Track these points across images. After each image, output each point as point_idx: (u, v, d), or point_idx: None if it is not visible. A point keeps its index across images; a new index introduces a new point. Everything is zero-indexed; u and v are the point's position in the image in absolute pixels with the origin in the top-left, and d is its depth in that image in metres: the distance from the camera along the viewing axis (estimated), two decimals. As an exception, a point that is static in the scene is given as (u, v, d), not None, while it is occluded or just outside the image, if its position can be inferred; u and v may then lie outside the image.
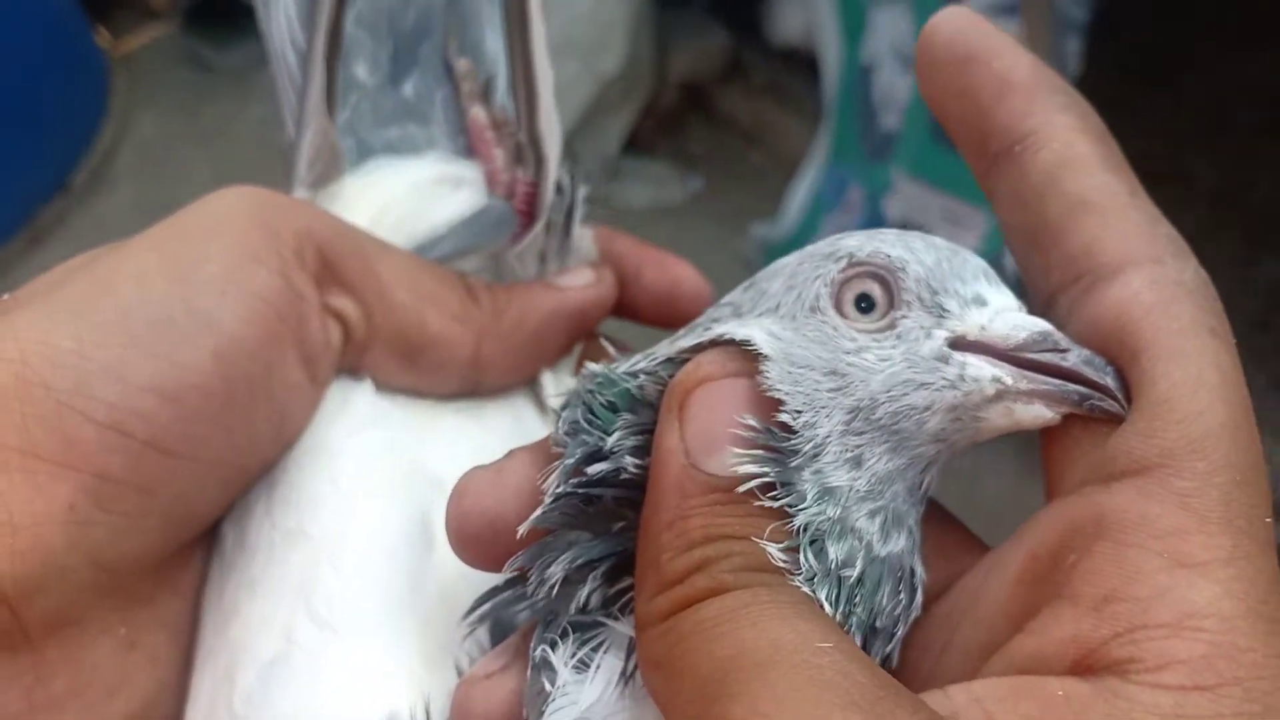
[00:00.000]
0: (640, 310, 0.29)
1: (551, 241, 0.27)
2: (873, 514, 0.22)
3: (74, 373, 0.17)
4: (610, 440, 0.21)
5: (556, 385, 0.25)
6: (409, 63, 0.27)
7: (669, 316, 0.29)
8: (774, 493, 0.20)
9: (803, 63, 1.88)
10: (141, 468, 0.18)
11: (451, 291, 0.24)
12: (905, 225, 1.50)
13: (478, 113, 0.27)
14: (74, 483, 0.17)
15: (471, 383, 0.24)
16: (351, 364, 0.22)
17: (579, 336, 0.27)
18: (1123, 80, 1.99)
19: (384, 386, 0.22)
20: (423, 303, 0.22)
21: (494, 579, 0.21)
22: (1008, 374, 0.22)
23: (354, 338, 0.21)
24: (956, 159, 1.24)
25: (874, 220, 1.53)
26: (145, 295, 0.18)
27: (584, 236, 0.29)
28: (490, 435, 0.23)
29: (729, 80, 2.00)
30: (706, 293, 0.30)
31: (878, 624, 0.21)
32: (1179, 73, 1.98)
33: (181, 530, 0.19)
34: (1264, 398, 1.47)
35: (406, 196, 0.26)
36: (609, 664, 0.20)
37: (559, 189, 0.27)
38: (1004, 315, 0.23)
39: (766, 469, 0.20)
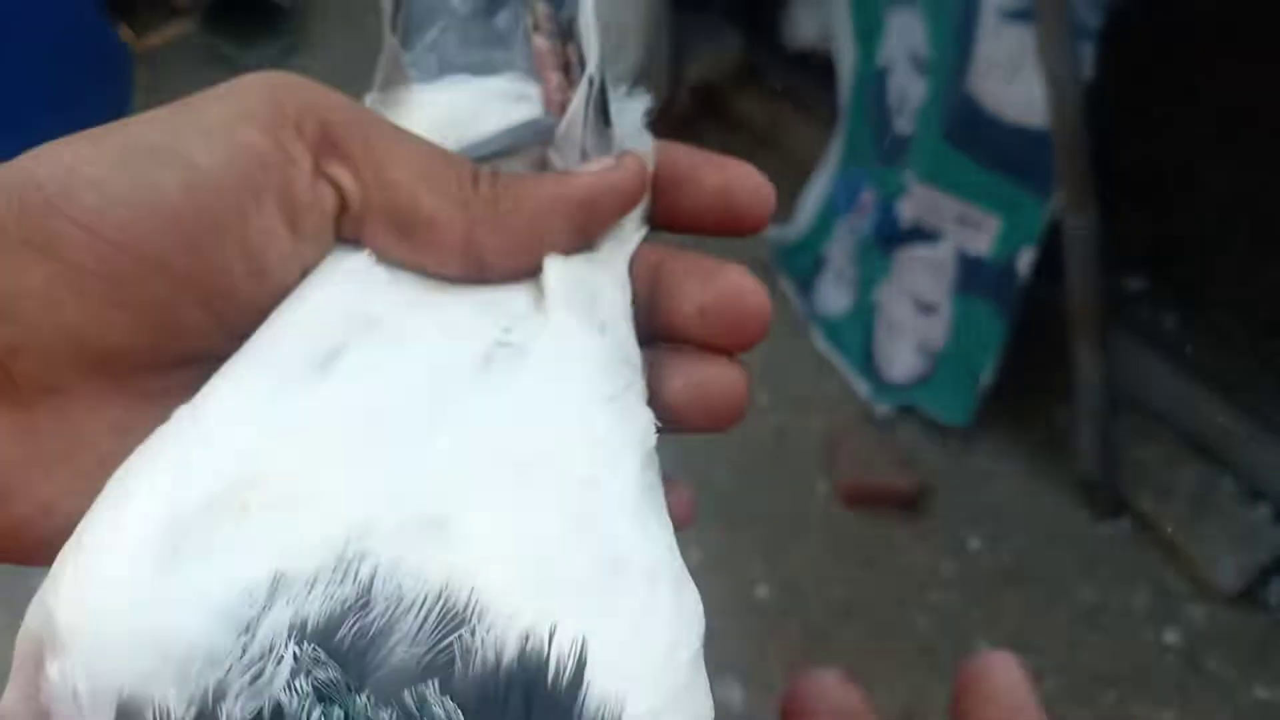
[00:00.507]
0: (700, 216, 0.28)
1: (589, 137, 0.26)
2: None
3: (64, 179, 0.20)
4: None
5: (560, 275, 0.24)
6: None
7: (725, 219, 0.27)
8: None
9: (818, 67, 1.89)
10: (109, 263, 0.20)
11: (452, 174, 0.24)
12: (918, 228, 1.51)
13: (539, 40, 0.28)
14: (49, 268, 0.20)
15: (473, 267, 0.24)
16: (352, 233, 0.23)
17: (593, 227, 0.25)
18: (1136, 86, 2.00)
19: (385, 260, 0.23)
20: (418, 181, 0.23)
21: None
22: None
23: (350, 207, 0.23)
24: (969, 163, 1.26)
25: (887, 224, 1.55)
26: (143, 133, 0.22)
27: (635, 137, 0.27)
28: (463, 310, 0.23)
29: (744, 84, 2.01)
30: (768, 192, 0.27)
31: None
32: (1192, 79, 1.99)
33: (164, 336, 0.21)
34: (1273, 400, 1.48)
35: (466, 106, 0.27)
36: None
37: (590, 82, 0.26)
38: None
39: None
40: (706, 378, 0.27)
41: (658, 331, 0.27)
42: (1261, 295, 1.69)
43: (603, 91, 0.26)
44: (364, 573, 0.17)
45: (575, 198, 0.24)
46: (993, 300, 1.46)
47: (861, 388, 1.63)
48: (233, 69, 2.25)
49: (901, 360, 1.60)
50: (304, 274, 0.23)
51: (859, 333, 1.65)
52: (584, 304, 0.24)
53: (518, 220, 0.24)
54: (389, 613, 0.17)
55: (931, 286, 1.54)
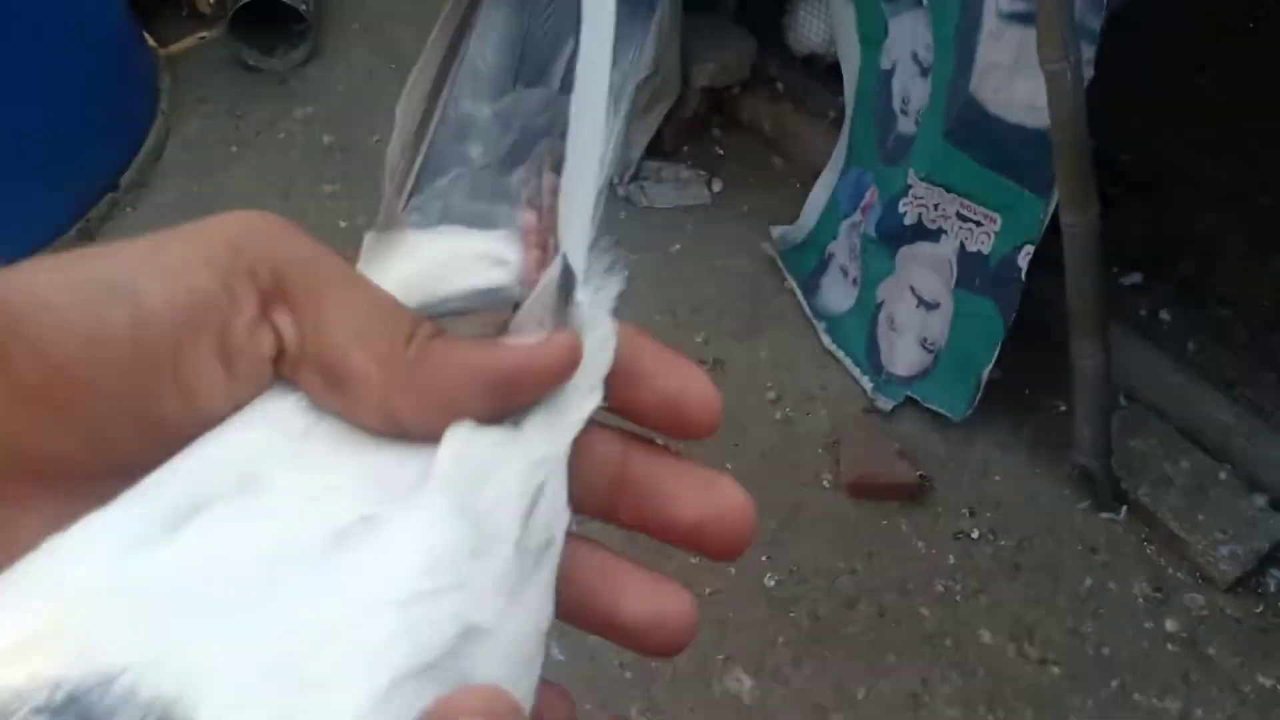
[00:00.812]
0: (645, 413, 0.27)
1: (548, 316, 0.26)
2: None
3: (27, 301, 0.22)
4: None
5: (455, 450, 0.24)
6: (524, 155, 0.28)
7: (672, 424, 0.27)
8: None
9: (823, 69, 1.93)
10: (51, 383, 0.22)
11: (387, 332, 0.24)
12: (920, 225, 1.54)
13: (528, 214, 0.28)
14: None
15: (391, 426, 0.24)
16: (289, 376, 0.24)
17: (511, 401, 0.25)
18: (1136, 84, 2.02)
19: (316, 405, 0.24)
20: (352, 337, 0.24)
21: None
22: None
23: (287, 352, 0.24)
24: (970, 162, 1.30)
25: (890, 222, 1.57)
26: (107, 268, 0.23)
27: (597, 321, 0.27)
28: (349, 475, 0.23)
29: (751, 86, 2.04)
30: (716, 405, 0.27)
31: None
32: (1192, 76, 2.01)
33: (100, 451, 0.23)
34: (1273, 395, 1.50)
35: (444, 261, 0.27)
36: None
37: (562, 264, 0.26)
38: None
39: None
40: (663, 608, 0.27)
41: (633, 524, 0.27)
42: (1261, 290, 1.71)
43: (568, 275, 0.26)
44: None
45: (495, 369, 0.25)
46: (993, 296, 1.48)
47: (865, 383, 1.66)
48: (254, 74, 2.29)
49: (904, 355, 1.62)
50: (236, 408, 0.24)
51: (862, 329, 1.68)
52: (467, 485, 0.23)
53: (434, 384, 0.24)
54: None
55: (933, 283, 1.56)
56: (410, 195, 0.28)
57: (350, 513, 0.22)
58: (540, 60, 0.29)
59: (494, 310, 0.26)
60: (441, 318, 0.25)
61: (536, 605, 0.23)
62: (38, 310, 0.22)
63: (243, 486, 0.22)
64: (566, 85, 0.29)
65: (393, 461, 0.24)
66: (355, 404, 0.24)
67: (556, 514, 0.25)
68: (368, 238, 0.28)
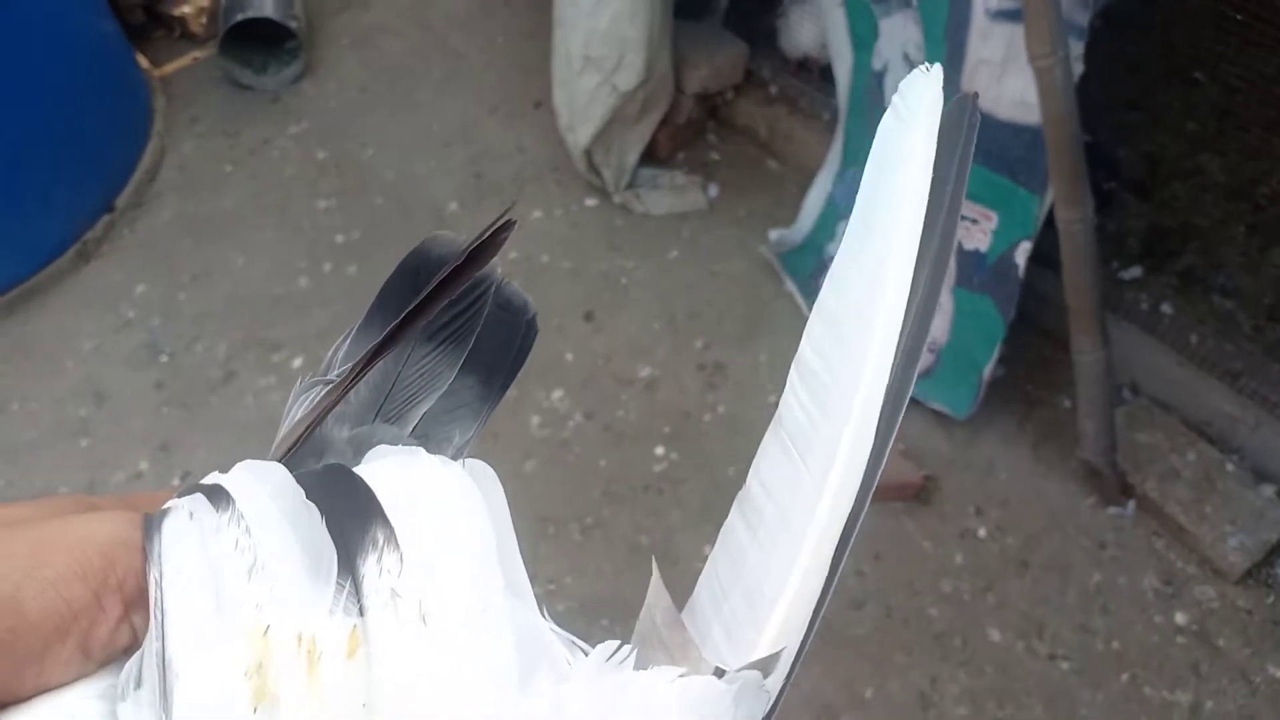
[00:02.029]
0: None
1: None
2: None
3: None
4: None
5: None
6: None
7: None
8: None
9: (816, 72, 1.93)
10: None
11: None
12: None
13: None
14: None
15: None
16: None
17: None
18: (1134, 79, 2.02)
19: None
20: None
21: None
22: None
23: (139, 643, 0.28)
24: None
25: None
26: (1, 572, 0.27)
27: None
28: None
29: (745, 91, 2.05)
30: None
31: None
32: (1190, 71, 2.01)
33: None
34: (1277, 386, 1.49)
35: None
36: None
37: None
38: None
39: None
40: None
41: None
42: (1262, 282, 1.71)
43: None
44: None
45: None
46: (992, 294, 1.48)
47: (868, 383, 1.65)
48: (246, 93, 2.29)
49: (905, 355, 1.62)
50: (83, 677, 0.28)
51: (863, 330, 1.67)
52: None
53: None
54: None
55: (932, 282, 1.55)
56: None
57: None
58: (403, 404, 0.33)
59: None
60: None
61: None
62: None
63: None
64: (418, 432, 0.33)
65: None
66: None
67: None
68: None
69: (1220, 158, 1.87)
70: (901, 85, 0.26)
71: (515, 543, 0.26)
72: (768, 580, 0.26)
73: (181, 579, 0.27)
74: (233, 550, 0.26)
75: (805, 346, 0.28)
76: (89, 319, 1.86)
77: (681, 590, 0.27)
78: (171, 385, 1.73)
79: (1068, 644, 1.39)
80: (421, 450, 0.29)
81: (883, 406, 0.26)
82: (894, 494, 1.53)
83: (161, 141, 2.17)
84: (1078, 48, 1.28)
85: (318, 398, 0.32)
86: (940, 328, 1.57)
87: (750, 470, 0.28)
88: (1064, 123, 1.24)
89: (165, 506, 0.29)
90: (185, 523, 0.27)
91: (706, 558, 0.27)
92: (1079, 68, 1.27)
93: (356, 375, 0.33)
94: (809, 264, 1.79)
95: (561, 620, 0.26)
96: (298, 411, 0.32)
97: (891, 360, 0.26)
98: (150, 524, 0.28)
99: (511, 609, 0.24)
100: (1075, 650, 1.39)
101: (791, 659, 0.25)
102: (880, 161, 0.26)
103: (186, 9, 2.39)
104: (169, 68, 2.35)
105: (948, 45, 1.41)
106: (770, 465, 0.28)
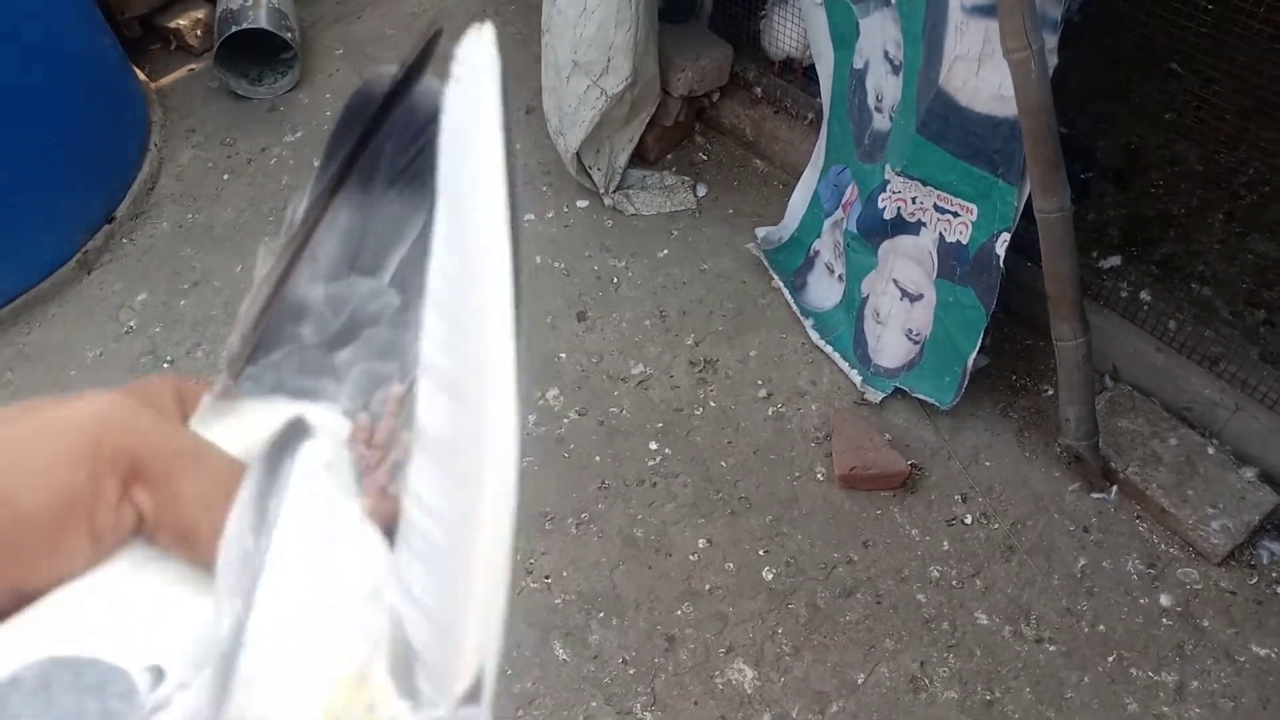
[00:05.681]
0: None
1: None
2: None
3: None
4: None
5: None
6: (350, 338, 0.33)
7: None
8: None
9: (799, 72, 1.96)
10: None
11: (225, 496, 0.28)
12: (900, 219, 1.56)
13: (364, 417, 0.31)
14: None
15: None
16: (149, 538, 0.29)
17: None
18: (1113, 70, 2.05)
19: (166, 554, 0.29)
20: (201, 509, 0.28)
21: None
22: None
23: (147, 523, 0.28)
24: (943, 155, 1.32)
25: (870, 218, 1.59)
26: None
27: None
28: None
29: (730, 92, 2.07)
30: None
31: None
32: (1167, 62, 2.04)
33: None
34: (1256, 370, 1.51)
35: (272, 425, 0.30)
36: None
37: None
38: None
39: None
40: None
41: None
42: (1241, 269, 1.73)
43: None
44: None
45: None
46: (974, 285, 1.50)
47: (854, 376, 1.68)
48: (243, 104, 2.31)
49: (890, 347, 1.64)
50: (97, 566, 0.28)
51: (849, 323, 1.70)
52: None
53: None
54: None
55: (915, 275, 1.58)
56: (247, 363, 0.32)
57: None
58: (375, 253, 0.33)
59: None
60: None
61: None
62: None
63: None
64: (396, 280, 0.33)
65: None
66: (200, 553, 0.29)
67: None
68: (205, 400, 0.32)
69: (1198, 147, 1.89)
70: (458, 51, 0.26)
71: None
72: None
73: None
74: None
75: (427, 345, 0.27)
76: (91, 327, 1.89)
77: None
78: (173, 390, 1.76)
79: (1054, 627, 1.42)
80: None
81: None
82: (881, 483, 1.55)
83: (159, 152, 2.20)
84: (1052, 40, 1.30)
85: (280, 250, 0.32)
86: (923, 320, 1.60)
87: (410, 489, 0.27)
88: (1039, 113, 1.26)
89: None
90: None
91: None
92: (1054, 60, 1.30)
93: (316, 219, 0.32)
94: (796, 260, 1.82)
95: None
96: (262, 269, 0.32)
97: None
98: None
99: None
100: (1061, 633, 1.41)
101: (493, 674, 0.25)
102: (452, 134, 0.26)
103: (182, 22, 2.43)
104: (166, 80, 2.39)
105: (926, 42, 1.43)
106: (429, 487, 0.27)
